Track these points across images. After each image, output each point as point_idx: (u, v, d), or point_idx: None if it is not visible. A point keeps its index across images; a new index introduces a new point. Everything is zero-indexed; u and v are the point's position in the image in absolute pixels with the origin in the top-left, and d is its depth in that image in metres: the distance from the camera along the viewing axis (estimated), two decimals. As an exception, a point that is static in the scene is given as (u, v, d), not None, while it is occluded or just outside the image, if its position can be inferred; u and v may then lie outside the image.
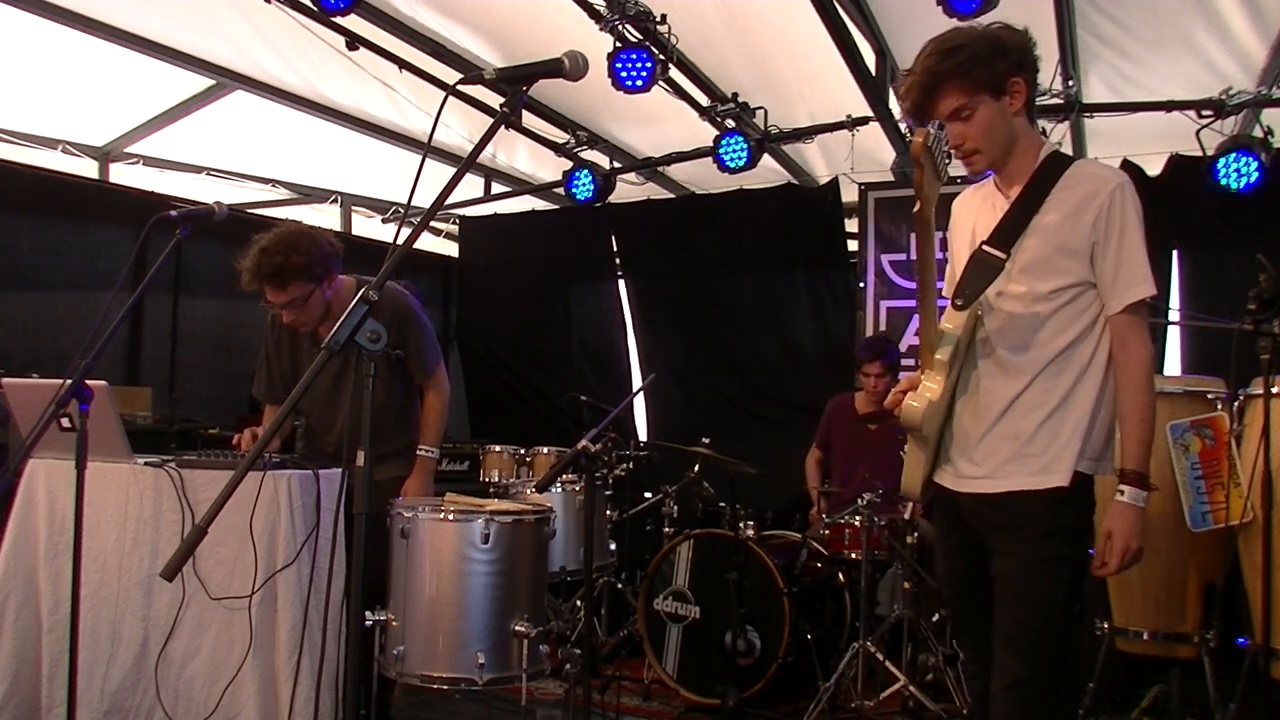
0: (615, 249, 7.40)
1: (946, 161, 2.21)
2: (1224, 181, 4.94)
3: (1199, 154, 5.05)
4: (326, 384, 3.52)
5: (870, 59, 5.04)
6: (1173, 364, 5.35)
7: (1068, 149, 5.54)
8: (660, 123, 6.09)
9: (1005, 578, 2.33)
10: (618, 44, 4.83)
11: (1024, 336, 2.34)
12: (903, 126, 5.78)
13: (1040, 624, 2.27)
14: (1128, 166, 5.49)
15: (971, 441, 2.41)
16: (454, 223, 8.07)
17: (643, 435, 7.04)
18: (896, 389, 2.46)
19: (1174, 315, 5.23)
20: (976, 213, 2.51)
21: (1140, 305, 2.29)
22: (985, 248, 2.37)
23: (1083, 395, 2.31)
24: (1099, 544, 2.29)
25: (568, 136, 6.38)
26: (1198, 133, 4.95)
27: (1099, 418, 2.33)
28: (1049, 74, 4.86)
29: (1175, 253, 5.54)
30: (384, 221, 7.94)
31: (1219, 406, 3.51)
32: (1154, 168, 5.48)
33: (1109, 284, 2.30)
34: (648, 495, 5.30)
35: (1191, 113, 4.98)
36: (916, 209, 2.23)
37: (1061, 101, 5.03)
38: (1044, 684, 2.28)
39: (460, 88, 2.13)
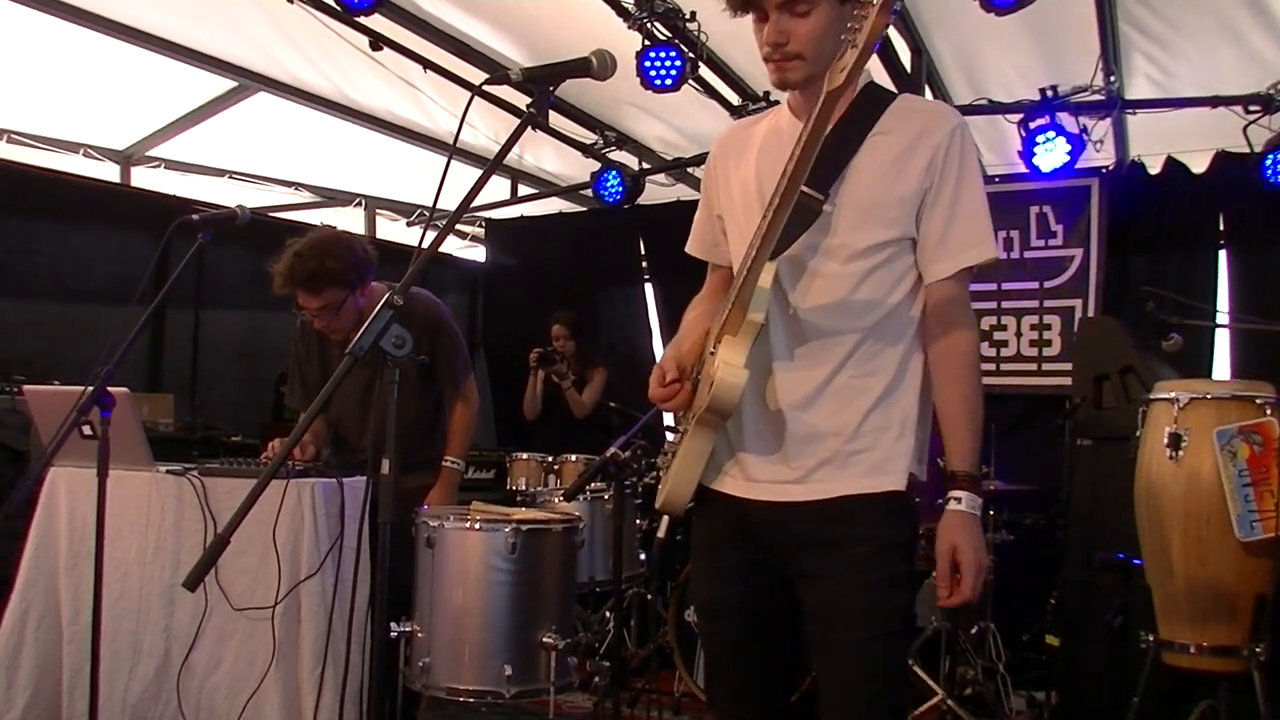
0: (644, 251, 7.32)
1: None
2: (1273, 179, 4.82)
3: (1246, 150, 4.94)
4: (356, 393, 3.47)
5: (905, 56, 4.93)
6: (1221, 368, 5.23)
7: (1110, 146, 5.42)
8: (690, 122, 6.01)
9: (830, 609, 1.86)
10: (646, 42, 4.76)
11: (837, 302, 1.88)
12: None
13: (881, 665, 1.85)
14: (1172, 164, 5.38)
15: (772, 436, 1.91)
16: (480, 225, 8.02)
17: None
18: (671, 375, 1.97)
19: (1222, 318, 5.13)
20: (757, 148, 2.01)
21: (969, 274, 1.89)
22: (805, 189, 1.80)
23: (909, 380, 1.91)
24: (940, 564, 1.84)
25: (595, 137, 6.31)
26: (1245, 128, 4.84)
27: (926, 409, 1.94)
28: (1090, 69, 4.74)
29: (1223, 253, 5.44)
30: (409, 225, 7.90)
31: (1268, 412, 3.38)
32: (1199, 165, 5.37)
33: (935, 242, 1.88)
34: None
35: (1238, 108, 4.85)
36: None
37: (1104, 98, 4.90)
38: None
39: (486, 88, 2.07)
